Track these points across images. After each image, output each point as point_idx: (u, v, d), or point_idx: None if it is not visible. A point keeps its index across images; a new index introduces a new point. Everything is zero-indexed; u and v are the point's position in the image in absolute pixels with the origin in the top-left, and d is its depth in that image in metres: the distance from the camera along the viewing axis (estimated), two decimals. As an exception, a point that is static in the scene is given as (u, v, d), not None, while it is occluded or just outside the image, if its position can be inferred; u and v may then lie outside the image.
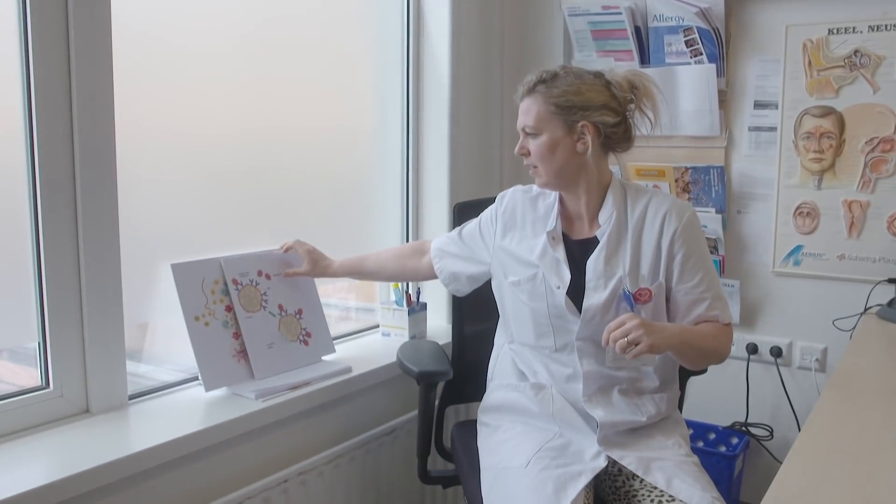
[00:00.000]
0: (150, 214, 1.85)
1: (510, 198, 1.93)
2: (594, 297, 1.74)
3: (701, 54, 2.62)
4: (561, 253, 1.80)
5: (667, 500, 1.57)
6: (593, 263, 1.76)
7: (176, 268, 1.88)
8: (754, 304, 2.67)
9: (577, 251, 1.80)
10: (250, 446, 1.86)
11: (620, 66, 2.72)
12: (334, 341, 2.22)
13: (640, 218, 1.79)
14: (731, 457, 2.52)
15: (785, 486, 1.21)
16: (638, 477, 1.65)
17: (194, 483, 1.74)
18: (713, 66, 2.60)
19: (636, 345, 1.56)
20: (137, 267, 1.80)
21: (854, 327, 2.34)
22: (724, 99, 2.64)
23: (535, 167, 1.79)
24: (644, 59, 2.73)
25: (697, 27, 2.60)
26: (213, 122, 1.98)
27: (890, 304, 2.31)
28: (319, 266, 2.13)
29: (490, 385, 1.97)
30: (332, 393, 2.02)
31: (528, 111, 1.77)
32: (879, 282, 2.42)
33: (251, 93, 2.08)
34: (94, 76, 1.61)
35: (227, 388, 1.90)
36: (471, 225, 2.01)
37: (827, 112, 2.51)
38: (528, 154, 1.79)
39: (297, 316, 2.09)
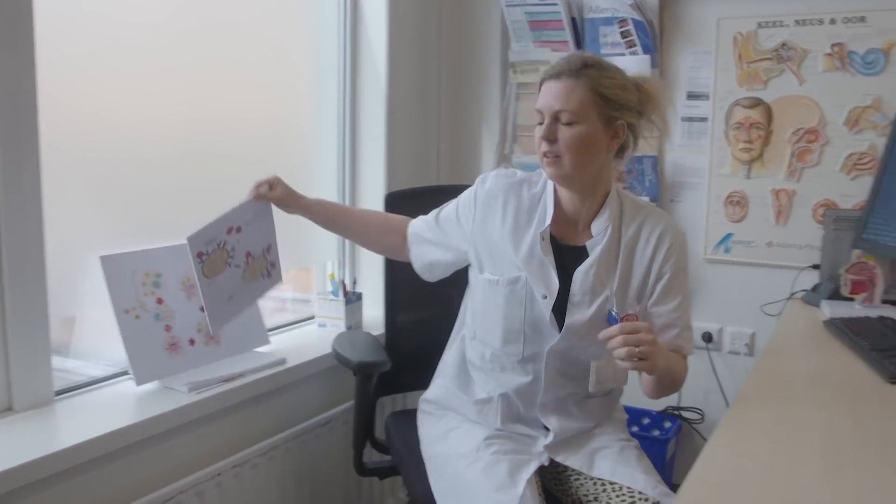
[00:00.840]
0: (77, 205, 1.80)
1: (493, 181, 1.75)
2: (578, 313, 1.65)
3: (635, 46, 2.66)
4: (551, 258, 1.67)
5: (612, 488, 1.60)
6: (582, 277, 1.65)
7: (105, 260, 1.83)
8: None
9: (567, 259, 1.68)
10: (183, 440, 1.83)
11: (556, 58, 2.75)
12: (270, 333, 2.20)
13: (635, 236, 1.69)
14: (664, 440, 2.58)
15: (708, 465, 1.24)
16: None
17: (126, 479, 1.71)
18: (647, 57, 2.64)
19: (641, 359, 1.44)
20: (64, 259, 1.75)
21: (781, 312, 2.41)
22: (658, 90, 2.68)
23: (558, 157, 1.59)
24: (579, 50, 2.76)
25: (632, 19, 2.63)
26: (145, 108, 1.93)
27: (814, 289, 2.38)
28: (293, 196, 1.85)
29: (437, 380, 1.93)
30: (266, 385, 2.00)
31: (569, 95, 1.57)
32: (804, 268, 2.50)
33: (184, 80, 2.03)
34: (14, 59, 1.55)
35: (158, 382, 1.86)
36: (448, 208, 1.85)
37: (756, 103, 2.57)
38: (554, 140, 1.59)
39: (265, 253, 1.88)
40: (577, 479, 1.69)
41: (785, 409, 1.50)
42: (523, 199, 1.72)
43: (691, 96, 2.66)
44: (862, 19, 2.43)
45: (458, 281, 1.88)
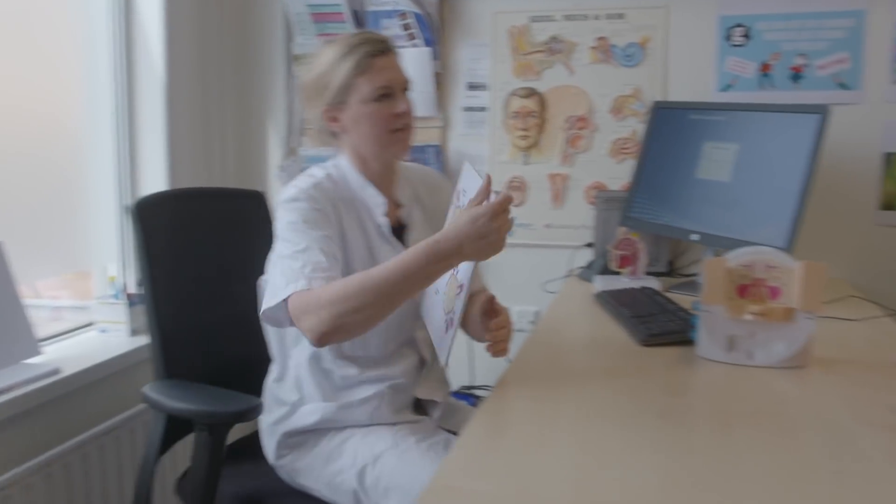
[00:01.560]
0: None
1: (319, 195, 1.62)
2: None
3: (416, 38, 2.73)
4: (397, 243, 1.70)
5: None
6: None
7: None
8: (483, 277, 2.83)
9: (398, 236, 1.73)
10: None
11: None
12: (43, 343, 2.07)
13: (423, 191, 1.80)
14: (461, 420, 2.66)
15: (473, 434, 1.30)
16: None
17: None
18: (429, 49, 2.72)
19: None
20: None
21: (560, 289, 2.56)
22: (440, 81, 2.77)
23: (411, 129, 1.68)
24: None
25: (412, 12, 2.70)
26: None
27: (588, 265, 2.56)
28: None
29: (301, 408, 1.70)
30: (37, 398, 1.88)
31: (401, 67, 1.68)
32: (580, 246, 2.68)
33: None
34: None
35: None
36: (313, 227, 1.58)
37: (531, 93, 2.71)
38: (408, 114, 1.66)
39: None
40: None
41: (549, 375, 1.61)
42: (345, 201, 1.67)
43: (471, 87, 2.77)
44: (621, 16, 2.63)
45: (245, 276, 1.83)
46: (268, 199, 2.18)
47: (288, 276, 1.50)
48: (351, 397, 1.68)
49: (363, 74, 1.62)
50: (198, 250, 1.94)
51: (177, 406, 1.66)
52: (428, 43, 2.72)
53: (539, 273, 2.71)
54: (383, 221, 1.70)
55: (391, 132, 1.65)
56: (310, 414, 1.68)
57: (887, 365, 1.42)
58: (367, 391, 1.68)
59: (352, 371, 1.68)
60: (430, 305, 1.66)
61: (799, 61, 2.53)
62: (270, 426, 1.73)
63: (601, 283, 2.31)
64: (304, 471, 1.68)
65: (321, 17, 2.79)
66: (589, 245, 2.66)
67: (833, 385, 1.53)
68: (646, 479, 1.14)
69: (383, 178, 1.73)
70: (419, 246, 1.44)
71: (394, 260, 1.46)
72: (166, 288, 1.83)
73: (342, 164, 1.73)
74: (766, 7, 2.53)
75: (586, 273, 2.50)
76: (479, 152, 2.77)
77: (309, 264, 1.50)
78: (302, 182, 1.65)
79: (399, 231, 1.74)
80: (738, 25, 2.56)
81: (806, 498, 1.08)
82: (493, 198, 1.43)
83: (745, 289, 1.64)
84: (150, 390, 1.70)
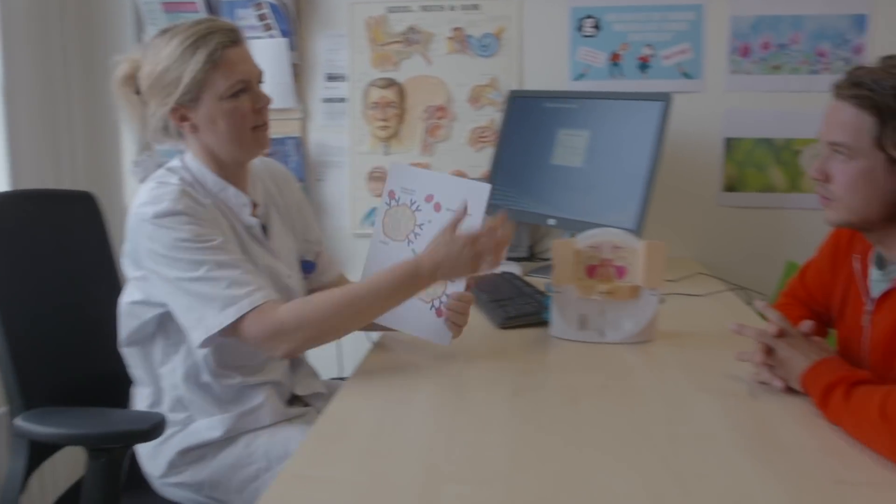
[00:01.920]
0: None
1: (193, 203, 1.50)
2: (294, 283, 1.68)
3: (273, 29, 2.69)
4: (269, 247, 1.65)
5: None
6: (282, 250, 1.67)
7: None
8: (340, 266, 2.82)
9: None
10: None
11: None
12: None
13: (274, 184, 1.74)
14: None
15: (327, 423, 1.31)
16: None
17: None
18: (286, 40, 2.68)
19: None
20: None
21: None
22: (298, 72, 2.74)
23: (267, 124, 1.62)
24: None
25: (267, 2, 2.66)
26: None
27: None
28: None
29: (192, 425, 1.60)
30: None
31: (250, 56, 1.59)
32: (443, 235, 2.71)
33: None
34: None
35: None
36: (213, 255, 1.47)
37: (390, 83, 2.73)
38: (267, 109, 1.61)
39: None
40: None
41: (407, 362, 1.63)
42: (211, 205, 1.56)
43: (330, 78, 2.76)
44: (476, 7, 2.67)
45: (86, 285, 1.74)
46: (122, 197, 2.09)
47: (219, 299, 1.42)
48: (244, 405, 1.60)
49: (217, 69, 1.49)
50: (35, 260, 1.73)
51: (70, 433, 1.51)
52: (284, 33, 2.68)
53: (404, 262, 2.72)
54: (253, 222, 1.62)
55: (251, 130, 1.56)
56: (210, 429, 1.58)
57: (726, 335, 1.51)
58: (256, 397, 1.60)
59: (233, 381, 1.59)
60: (391, 313, 1.60)
61: (646, 51, 2.65)
62: (156, 447, 1.60)
63: (463, 270, 2.35)
64: (209, 483, 1.59)
65: (173, 7, 2.71)
66: (452, 232, 2.70)
67: (675, 356, 1.61)
68: (495, 454, 1.17)
69: (239, 178, 1.63)
70: (398, 268, 1.51)
71: (372, 280, 1.53)
72: (9, 306, 1.61)
73: (192, 166, 1.59)
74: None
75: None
76: (340, 143, 2.76)
77: (235, 283, 1.44)
78: (164, 192, 1.49)
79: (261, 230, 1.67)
80: (589, 17, 2.65)
81: (643, 461, 1.14)
82: (474, 215, 1.53)
83: (594, 269, 1.71)
84: (26, 422, 1.50)
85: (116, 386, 1.73)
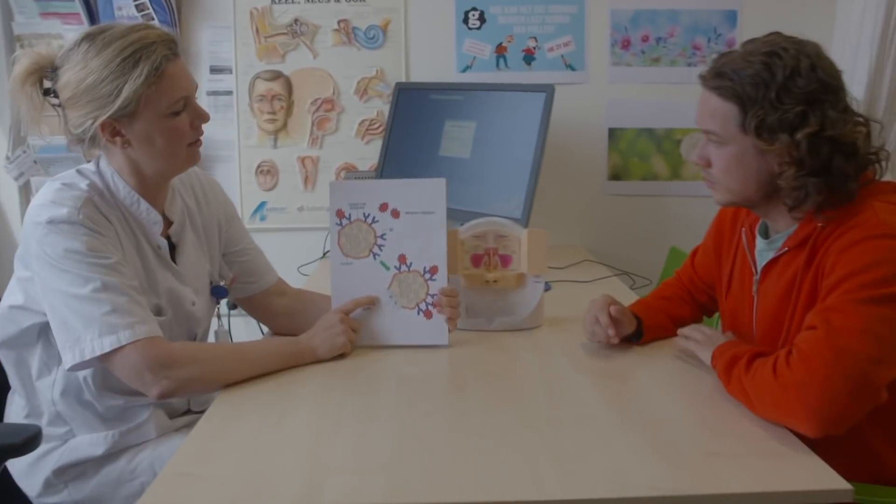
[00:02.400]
0: None
1: (94, 214, 1.41)
2: (199, 310, 1.59)
3: (153, 19, 2.60)
4: (177, 271, 1.55)
5: None
6: (190, 274, 1.58)
7: None
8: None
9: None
10: None
11: (69, 31, 2.60)
12: None
13: (194, 199, 1.63)
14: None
15: (210, 420, 1.29)
16: None
17: None
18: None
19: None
20: None
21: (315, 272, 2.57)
22: (181, 64, 2.66)
23: (200, 141, 1.54)
24: (94, 23, 2.62)
25: (146, -9, 2.58)
26: None
27: (342, 247, 2.58)
28: None
29: (73, 441, 1.51)
30: None
31: (187, 69, 1.50)
32: (333, 228, 2.69)
33: None
34: None
35: None
36: (108, 278, 1.38)
37: (276, 76, 2.69)
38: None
39: (427, 277, 1.65)
40: None
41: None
42: (118, 218, 1.47)
43: (214, 70, 2.70)
44: (362, -1, 2.66)
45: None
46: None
47: (98, 324, 1.34)
48: (129, 423, 1.52)
49: (159, 84, 1.39)
50: None
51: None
52: (164, 24, 2.60)
53: (295, 256, 2.69)
54: (162, 243, 1.53)
55: (188, 146, 1.48)
56: (91, 445, 1.50)
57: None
58: (141, 414, 1.53)
59: (116, 402, 1.50)
60: (379, 326, 1.64)
61: (531, 44, 2.70)
62: (32, 464, 1.51)
63: (354, 263, 2.34)
64: (89, 501, 1.51)
65: (45, -5, 2.60)
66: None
67: (560, 341, 1.65)
68: (379, 444, 1.18)
69: (157, 193, 1.52)
70: (285, 342, 1.57)
71: (262, 341, 1.63)
72: None
73: (107, 174, 1.48)
74: (499, -8, 2.67)
75: (340, 254, 2.52)
76: (228, 137, 2.71)
77: (118, 311, 1.35)
78: (67, 196, 1.40)
79: (170, 250, 1.57)
80: (474, 9, 2.68)
81: (525, 444, 1.17)
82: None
83: (479, 258, 1.73)
84: None
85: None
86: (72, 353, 1.35)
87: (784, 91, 1.27)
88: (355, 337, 1.59)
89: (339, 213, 1.64)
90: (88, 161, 1.52)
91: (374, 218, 1.62)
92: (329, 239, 1.66)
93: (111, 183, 1.47)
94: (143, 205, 1.49)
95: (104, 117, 1.39)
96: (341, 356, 1.56)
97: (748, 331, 1.47)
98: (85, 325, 1.35)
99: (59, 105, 1.44)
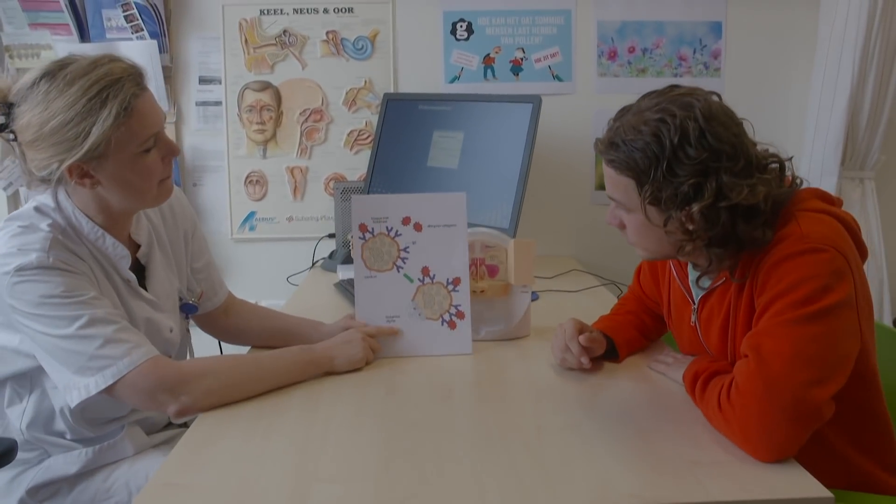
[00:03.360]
0: None
1: (63, 255, 1.36)
2: (175, 336, 1.59)
3: (142, 30, 2.61)
4: (150, 297, 1.53)
5: None
6: (163, 297, 1.56)
7: None
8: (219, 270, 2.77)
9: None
10: None
11: (58, 41, 2.60)
12: None
13: (160, 216, 1.61)
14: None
15: (197, 430, 1.29)
16: None
17: None
18: (155, 42, 2.61)
19: None
20: None
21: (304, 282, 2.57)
22: (170, 75, 2.67)
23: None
24: (84, 35, 2.63)
25: (135, 3, 2.58)
26: None
27: (331, 255, 2.59)
28: None
29: (49, 461, 1.49)
30: None
31: (155, 102, 1.43)
32: (322, 237, 2.71)
33: None
34: None
35: None
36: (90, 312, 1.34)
37: (265, 86, 2.70)
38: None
39: (451, 288, 1.70)
40: None
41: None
42: (86, 254, 1.42)
43: (204, 80, 2.70)
44: (350, 10, 2.67)
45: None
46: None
47: (94, 359, 1.31)
48: (102, 442, 1.50)
49: (127, 123, 1.33)
50: None
51: None
52: (153, 35, 2.61)
53: (284, 267, 2.70)
54: (131, 277, 1.49)
55: (159, 183, 1.43)
56: (65, 464, 1.48)
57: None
58: (116, 433, 1.52)
59: (88, 434, 1.49)
60: (403, 338, 1.66)
61: (518, 55, 2.71)
62: (7, 484, 1.49)
63: (343, 272, 2.35)
64: None
65: (33, 5, 2.59)
66: (331, 236, 2.69)
67: (547, 351, 1.65)
68: (367, 452, 1.19)
69: (121, 225, 1.48)
70: (299, 350, 1.54)
71: (276, 351, 1.53)
72: None
73: (68, 210, 1.42)
74: (486, 4, 2.69)
75: (329, 263, 2.54)
76: (217, 147, 2.71)
77: (111, 342, 1.32)
78: (31, 239, 1.34)
79: (139, 273, 1.53)
80: (462, 20, 2.70)
81: (511, 453, 1.18)
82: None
83: (467, 268, 1.74)
84: None
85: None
86: (77, 392, 1.33)
87: (675, 162, 1.23)
88: (373, 357, 1.59)
89: (363, 227, 1.64)
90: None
91: (397, 231, 1.65)
92: (352, 253, 1.67)
93: (73, 219, 1.41)
94: (109, 240, 1.44)
95: (71, 161, 1.32)
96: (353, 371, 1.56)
97: (703, 354, 1.48)
98: (82, 363, 1.32)
99: (15, 141, 1.36)
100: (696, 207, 1.23)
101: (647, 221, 1.30)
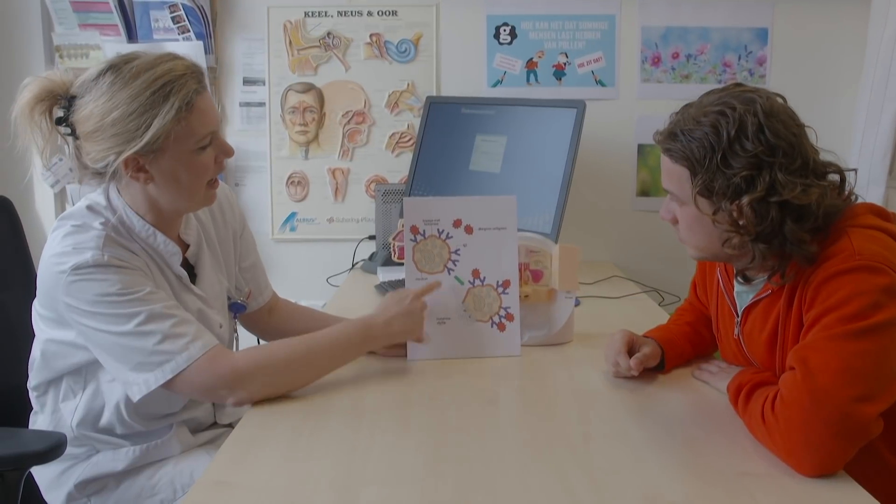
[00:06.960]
0: None
1: (118, 252, 1.37)
2: (224, 332, 1.60)
3: (189, 31, 2.65)
4: (201, 293, 1.54)
5: None
6: (212, 296, 1.57)
7: None
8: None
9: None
10: None
11: (107, 42, 2.64)
12: None
13: (210, 215, 1.62)
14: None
15: (245, 428, 1.30)
16: None
17: None
18: (201, 43, 2.64)
19: None
20: None
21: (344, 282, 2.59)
22: (215, 76, 2.70)
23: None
24: (132, 35, 2.67)
25: (182, 4, 2.62)
26: None
27: (371, 257, 2.60)
28: None
29: (96, 457, 1.51)
30: None
31: (212, 102, 1.46)
32: (362, 239, 2.72)
33: None
34: None
35: None
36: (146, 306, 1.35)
37: (308, 88, 2.72)
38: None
39: (500, 291, 1.71)
40: None
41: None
42: (140, 251, 1.43)
43: (248, 82, 2.73)
44: (394, 13, 2.68)
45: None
46: (31, 203, 2.01)
47: (154, 355, 1.33)
48: (150, 440, 1.51)
49: (187, 119, 1.35)
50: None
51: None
52: (199, 36, 2.64)
53: (324, 267, 2.72)
54: (183, 274, 1.50)
55: (206, 186, 1.45)
56: (113, 461, 1.50)
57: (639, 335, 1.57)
58: (164, 432, 1.52)
59: (139, 429, 1.50)
60: (453, 340, 1.67)
61: (561, 59, 2.71)
62: (57, 477, 1.51)
63: (384, 274, 2.36)
64: None
65: (84, 7, 2.64)
66: (371, 237, 2.70)
67: (591, 357, 1.64)
68: (413, 456, 1.19)
69: (172, 224, 1.50)
70: (351, 324, 1.53)
71: (327, 332, 1.50)
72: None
73: (118, 206, 1.43)
74: (530, 8, 2.69)
75: (369, 265, 2.54)
76: (260, 148, 2.74)
77: (169, 337, 1.33)
78: (85, 238, 1.36)
79: (188, 273, 1.54)
80: (505, 24, 2.69)
81: (558, 460, 1.17)
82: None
83: (511, 273, 1.74)
84: None
85: (21, 402, 1.61)
86: (137, 388, 1.34)
87: (730, 154, 1.23)
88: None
89: (414, 230, 1.65)
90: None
91: (448, 234, 1.65)
92: (404, 256, 1.67)
93: (125, 217, 1.43)
94: (160, 237, 1.46)
95: (129, 152, 1.33)
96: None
97: (748, 366, 1.46)
98: (141, 360, 1.34)
99: (73, 135, 1.39)
100: (746, 200, 1.23)
101: (698, 213, 1.29)
